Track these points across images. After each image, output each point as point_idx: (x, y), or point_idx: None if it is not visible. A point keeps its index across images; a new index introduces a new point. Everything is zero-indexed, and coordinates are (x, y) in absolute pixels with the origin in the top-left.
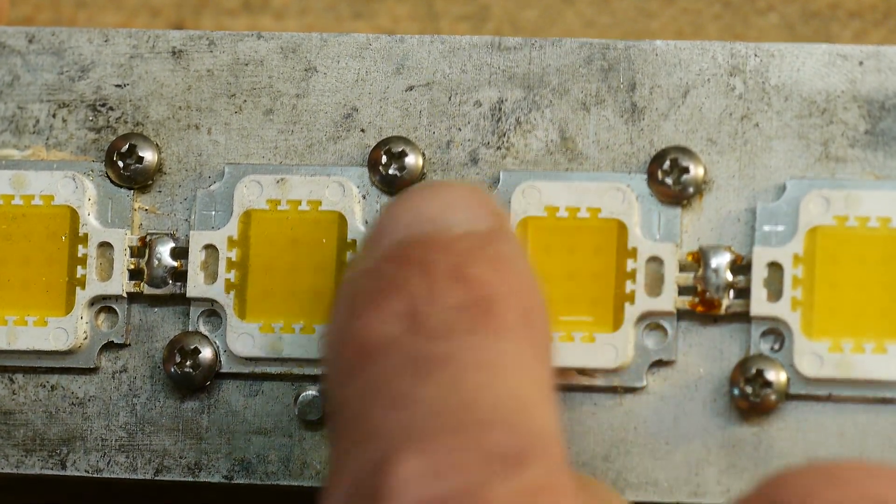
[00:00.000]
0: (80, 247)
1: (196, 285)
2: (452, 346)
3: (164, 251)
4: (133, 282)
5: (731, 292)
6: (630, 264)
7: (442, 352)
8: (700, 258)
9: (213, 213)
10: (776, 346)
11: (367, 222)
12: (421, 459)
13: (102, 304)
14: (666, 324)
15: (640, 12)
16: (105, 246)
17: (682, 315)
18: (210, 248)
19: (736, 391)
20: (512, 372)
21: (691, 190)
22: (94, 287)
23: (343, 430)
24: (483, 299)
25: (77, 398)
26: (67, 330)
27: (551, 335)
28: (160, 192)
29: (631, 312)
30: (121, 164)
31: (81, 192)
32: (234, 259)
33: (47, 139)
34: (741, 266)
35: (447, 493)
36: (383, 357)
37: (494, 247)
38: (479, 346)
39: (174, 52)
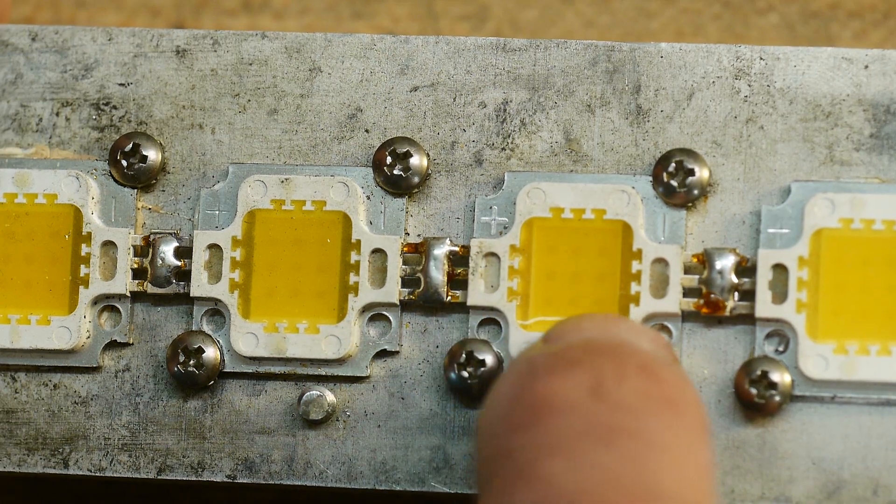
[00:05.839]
0: (83, 246)
1: (200, 285)
2: (640, 423)
3: (167, 250)
4: (136, 281)
5: (736, 294)
6: (635, 266)
7: (629, 425)
8: (705, 260)
9: (217, 212)
10: (781, 348)
11: (371, 223)
12: None
13: (106, 303)
14: (671, 325)
15: (639, 12)
16: (108, 245)
17: (686, 316)
18: (214, 248)
19: (740, 393)
20: (695, 466)
21: (696, 192)
22: (98, 286)
23: (507, 475)
24: (671, 397)
25: (80, 397)
26: (70, 329)
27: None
28: (164, 191)
29: (636, 314)
30: (124, 163)
31: (85, 191)
32: (238, 259)
33: (50, 138)
34: (746, 268)
35: None
36: (564, 416)
37: (679, 369)
38: (667, 431)
39: (178, 52)
